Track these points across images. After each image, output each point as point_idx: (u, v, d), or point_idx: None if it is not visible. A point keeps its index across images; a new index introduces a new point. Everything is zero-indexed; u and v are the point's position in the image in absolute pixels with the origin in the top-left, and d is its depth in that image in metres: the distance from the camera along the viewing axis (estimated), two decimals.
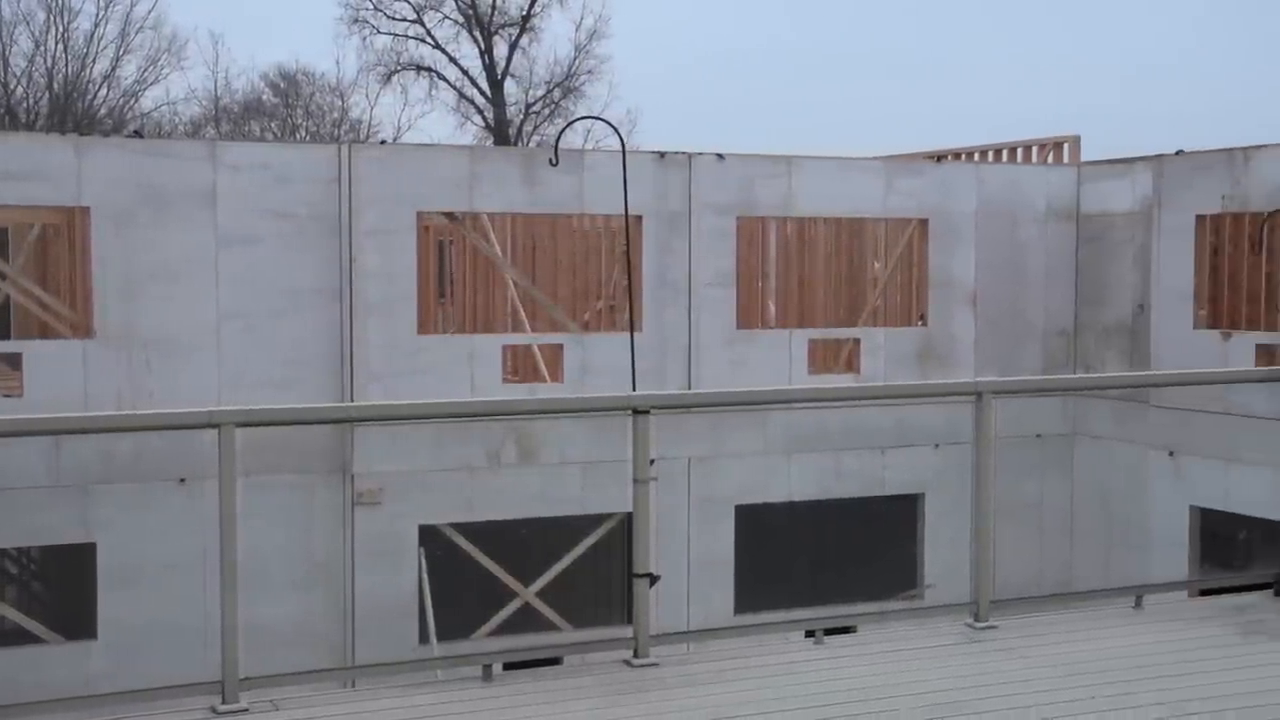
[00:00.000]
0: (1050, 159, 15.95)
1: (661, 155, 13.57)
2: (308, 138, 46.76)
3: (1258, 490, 11.19)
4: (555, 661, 7.14)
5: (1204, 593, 8.58)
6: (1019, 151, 16.43)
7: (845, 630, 7.26)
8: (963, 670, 6.41)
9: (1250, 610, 7.47)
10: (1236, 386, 12.06)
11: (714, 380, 13.45)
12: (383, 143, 30.65)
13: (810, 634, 6.88)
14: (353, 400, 12.36)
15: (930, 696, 6.00)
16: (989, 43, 78.83)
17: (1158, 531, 13.78)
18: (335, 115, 48.65)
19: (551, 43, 59.12)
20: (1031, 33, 78.85)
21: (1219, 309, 13.72)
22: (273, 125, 48.25)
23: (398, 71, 46.38)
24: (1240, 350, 13.12)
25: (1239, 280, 13.52)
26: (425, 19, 45.79)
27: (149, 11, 44.53)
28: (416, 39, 46.15)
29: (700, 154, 13.68)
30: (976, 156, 16.87)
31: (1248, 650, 6.77)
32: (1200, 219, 13.73)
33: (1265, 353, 12.90)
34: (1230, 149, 13.41)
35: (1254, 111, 62.61)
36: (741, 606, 13.46)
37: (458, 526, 13.01)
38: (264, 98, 49.00)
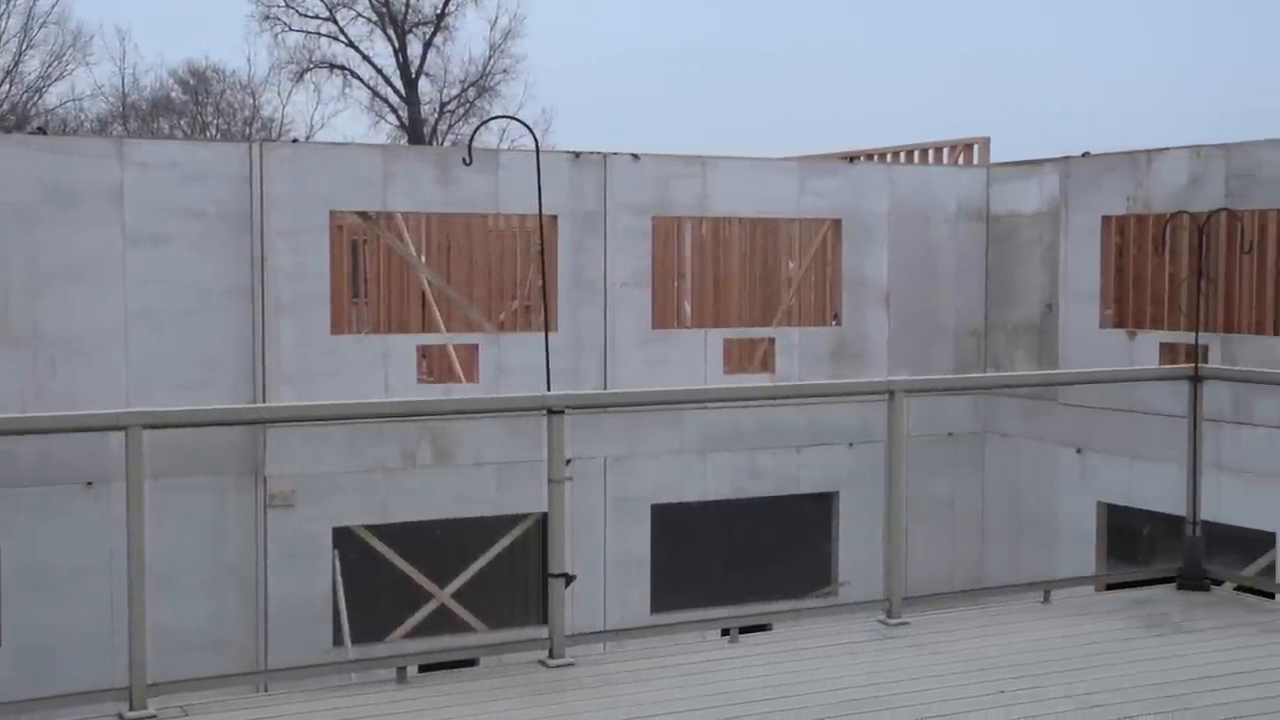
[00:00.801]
0: (961, 160, 16.17)
1: (576, 155, 13.57)
2: (218, 136, 46.13)
3: (1161, 486, 11.41)
4: (471, 663, 7.12)
5: (1110, 587, 8.74)
6: (930, 153, 16.64)
7: (761, 628, 7.31)
8: (875, 666, 6.48)
9: (1154, 603, 7.62)
10: (1141, 385, 12.29)
11: (630, 380, 13.48)
12: (295, 141, 30.36)
13: (726, 633, 6.92)
14: (265, 401, 12.22)
15: (843, 693, 6.06)
16: (900, 44, 79.69)
17: (1065, 527, 14.02)
18: (246, 113, 48.07)
19: (466, 41, 59.00)
20: (941, 35, 79.78)
21: (1124, 309, 13.98)
22: (182, 123, 47.56)
23: (310, 69, 45.96)
24: (1145, 349, 13.39)
25: (1143, 280, 13.79)
26: (338, 16, 45.42)
27: (53, 6, 43.76)
28: (329, 37, 45.75)
29: (615, 154, 13.70)
30: (889, 157, 17.05)
31: (1152, 642, 6.90)
32: (1106, 220, 13.99)
33: (1168, 351, 13.18)
34: (1134, 152, 13.68)
35: (1157, 114, 63.89)
36: (658, 606, 13.50)
37: (372, 528, 12.92)
38: (173, 95, 48.31)
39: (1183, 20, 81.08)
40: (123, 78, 47.30)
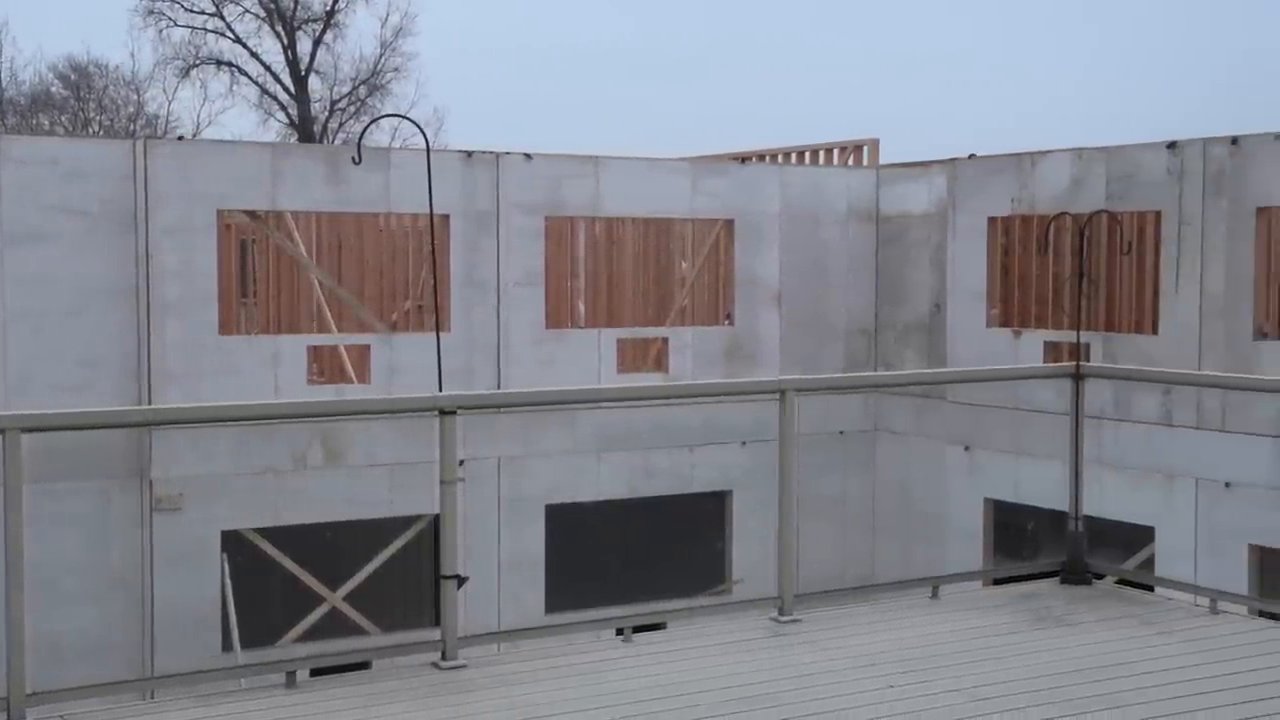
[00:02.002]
0: (850, 161, 16.36)
1: (469, 154, 13.50)
2: (101, 132, 45.14)
3: (1045, 482, 11.66)
4: (364, 666, 7.05)
5: (996, 582, 8.91)
6: (820, 154, 16.82)
7: (655, 627, 7.33)
8: (767, 664, 6.53)
9: (1038, 597, 7.77)
10: (1026, 383, 12.54)
11: (523, 380, 13.44)
12: (180, 138, 29.84)
13: (620, 632, 6.93)
14: (150, 403, 12.00)
15: (734, 690, 6.10)
16: (788, 46, 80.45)
17: (954, 523, 14.25)
18: (130, 110, 47.10)
19: (357, 39, 58.43)
20: (830, 36, 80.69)
21: (1010, 308, 14.25)
22: (63, 119, 46.46)
23: (196, 66, 45.12)
24: (1030, 348, 13.66)
25: (1028, 281, 14.07)
26: (225, 12, 44.67)
27: None
28: (216, 32, 44.97)
29: (508, 153, 13.65)
30: (780, 158, 17.20)
31: (1037, 636, 7.04)
32: (992, 221, 14.24)
33: (1052, 350, 13.46)
34: (1019, 154, 13.95)
35: (1041, 117, 65.22)
36: (552, 606, 13.49)
37: (262, 531, 12.74)
38: (53, 90, 47.15)
39: (1064, 25, 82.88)
40: (0, 72, 46.10)
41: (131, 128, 45.51)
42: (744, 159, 17.15)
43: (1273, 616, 7.58)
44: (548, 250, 14.17)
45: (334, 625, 13.01)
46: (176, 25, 44.64)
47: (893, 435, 15.22)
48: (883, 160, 16.14)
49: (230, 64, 45.09)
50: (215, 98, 55.41)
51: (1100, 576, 8.11)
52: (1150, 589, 8.41)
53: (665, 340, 14.68)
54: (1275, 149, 11.80)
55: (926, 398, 14.54)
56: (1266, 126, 12.09)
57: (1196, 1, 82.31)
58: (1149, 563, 12.27)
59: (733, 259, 14.93)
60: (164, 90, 47.16)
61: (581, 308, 15.91)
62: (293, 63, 44.86)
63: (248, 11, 44.80)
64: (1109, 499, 11.46)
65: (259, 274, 15.86)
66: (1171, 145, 12.55)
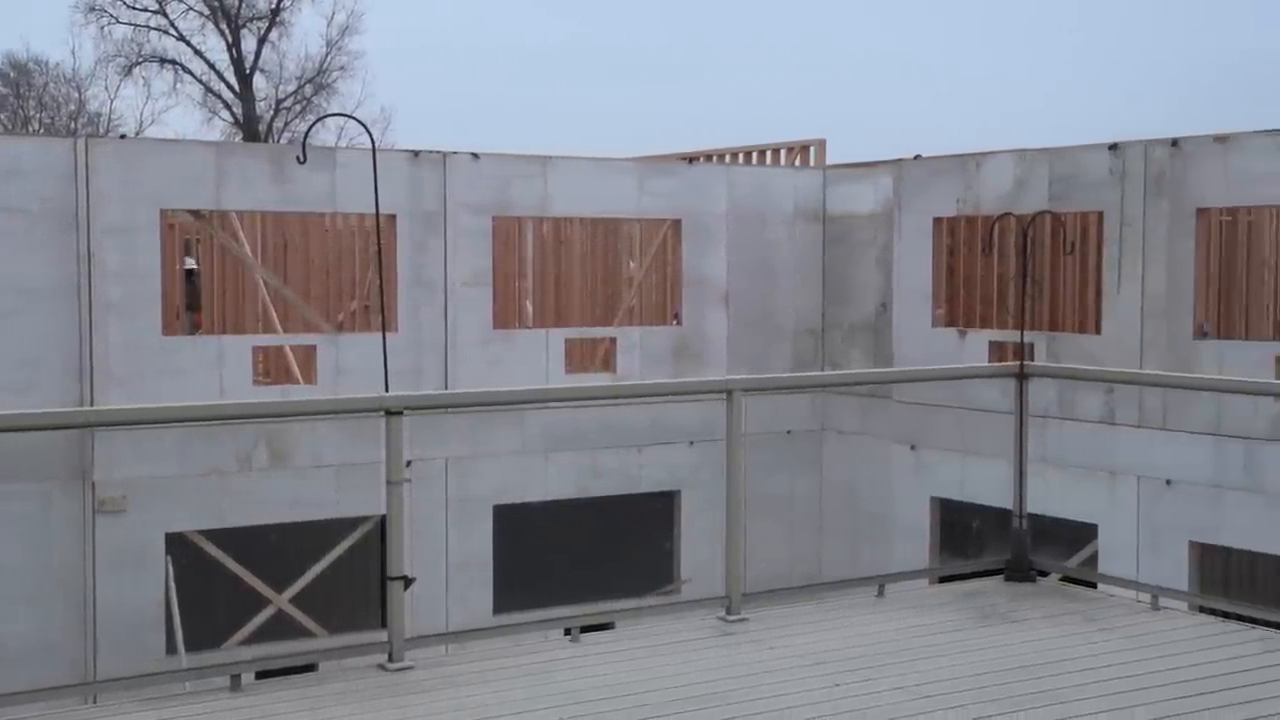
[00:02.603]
0: (797, 162, 16.42)
1: (415, 154, 13.45)
2: (41, 130, 44.57)
3: (990, 481, 11.74)
4: (310, 668, 7.01)
5: (942, 580, 8.98)
6: (767, 154, 16.87)
7: (604, 627, 7.34)
8: (714, 663, 6.55)
9: (983, 595, 7.84)
10: (971, 382, 12.64)
11: (471, 380, 13.40)
12: (123, 137, 29.52)
13: (568, 632, 6.93)
14: (93, 404, 11.87)
15: (682, 690, 6.11)
16: (736, 46, 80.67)
17: (900, 522, 14.34)
18: (72, 107, 46.55)
19: (302, 38, 57.97)
20: (777, 38, 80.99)
21: (955, 308, 14.36)
22: (2, 117, 45.86)
23: (139, 63, 44.65)
24: (975, 347, 13.77)
25: (973, 281, 14.19)
26: (168, 10, 44.24)
27: None
28: (159, 30, 44.53)
29: (455, 153, 13.61)
30: (727, 158, 17.25)
31: (981, 633, 7.10)
32: (937, 221, 14.34)
33: (997, 350, 13.57)
34: (963, 155, 14.06)
35: (985, 118, 65.75)
36: (500, 607, 13.46)
37: (207, 533, 12.64)
38: None
39: (1008, 28, 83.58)
40: None
41: (73, 126, 44.99)
42: (691, 159, 17.18)
43: (1212, 612, 7.69)
44: (495, 250, 14.13)
45: (280, 627, 12.92)
46: (119, 22, 44.20)
47: (840, 435, 15.30)
48: (829, 161, 16.21)
49: (174, 62, 44.68)
50: (158, 96, 55.07)
51: (1044, 574, 8.19)
52: (1093, 586, 8.50)
53: (613, 340, 14.68)
54: (1214, 151, 11.96)
55: (873, 397, 14.63)
56: (1206, 128, 12.27)
57: (1137, 6, 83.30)
58: (1092, 560, 12.40)
59: (680, 259, 14.96)
60: (106, 88, 46.68)
61: (529, 308, 15.89)
62: (237, 61, 44.50)
63: (191, 9, 44.42)
64: (1053, 497, 11.57)
65: (203, 274, 15.72)
66: (1113, 147, 12.69)
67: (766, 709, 5.89)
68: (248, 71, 44.54)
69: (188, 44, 44.50)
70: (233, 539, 12.78)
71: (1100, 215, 12.85)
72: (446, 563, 13.37)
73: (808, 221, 15.55)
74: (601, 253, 15.69)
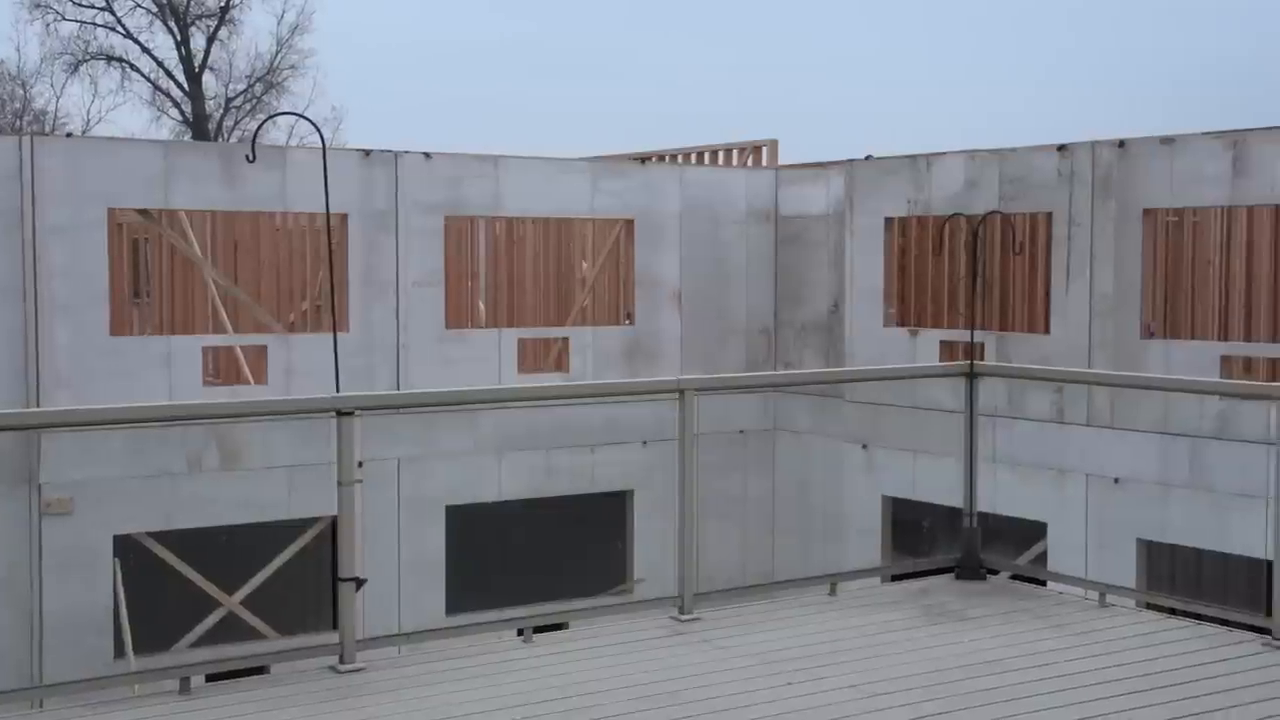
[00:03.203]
0: (750, 162, 16.47)
1: (367, 153, 13.39)
2: None
3: (941, 479, 11.82)
4: (261, 670, 6.97)
5: (894, 578, 9.02)
6: (720, 154, 16.91)
7: (557, 627, 7.33)
8: (666, 663, 6.55)
9: (934, 593, 7.89)
10: (922, 381, 12.72)
11: (424, 380, 13.36)
12: (70, 135, 29.19)
13: (521, 633, 6.92)
14: (39, 405, 11.73)
15: (634, 690, 6.12)
16: (689, 46, 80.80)
17: (852, 521, 14.41)
18: (17, 105, 45.96)
19: (252, 36, 57.48)
20: (728, 38, 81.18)
21: (907, 308, 14.45)
22: None
23: (86, 61, 44.15)
24: (926, 347, 13.86)
25: (924, 280, 14.27)
26: (115, 7, 43.76)
27: None
28: (106, 27, 44.06)
29: (407, 152, 13.56)
30: (680, 159, 17.27)
31: (932, 631, 7.14)
32: (889, 221, 14.42)
33: (948, 349, 13.66)
34: (914, 155, 14.14)
35: (935, 119, 66.17)
36: (454, 607, 13.42)
37: (156, 535, 12.53)
38: None
39: (958, 30, 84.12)
40: None
41: (17, 124, 44.42)
42: (644, 159, 17.19)
43: (1158, 609, 7.77)
44: (447, 250, 14.09)
45: (231, 630, 12.84)
46: (65, 19, 43.69)
47: (792, 434, 15.35)
48: (781, 161, 16.27)
49: (121, 60, 44.21)
50: (106, 94, 54.40)
51: (994, 572, 8.25)
52: (1043, 584, 8.58)
53: (566, 340, 14.67)
54: (1161, 152, 12.09)
55: (825, 396, 14.69)
56: (1152, 130, 12.39)
57: (1084, 9, 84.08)
58: (1041, 558, 12.51)
59: (633, 259, 14.97)
60: (52, 86, 46.11)
61: (482, 307, 15.85)
62: (186, 59, 44.10)
63: (139, 6, 43.98)
64: (1003, 496, 11.67)
65: (152, 273, 15.58)
66: (1061, 148, 12.80)
67: (719, 708, 5.91)
68: (197, 70, 44.15)
69: (135, 41, 44.08)
70: (182, 541, 12.68)
71: (1049, 216, 12.96)
72: (399, 563, 13.32)
73: (760, 221, 15.60)
74: (554, 252, 15.67)
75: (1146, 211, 12.24)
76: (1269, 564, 7.12)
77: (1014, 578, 8.40)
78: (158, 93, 44.65)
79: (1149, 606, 8.07)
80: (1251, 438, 10.85)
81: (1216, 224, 12.11)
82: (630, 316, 15.12)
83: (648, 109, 66.76)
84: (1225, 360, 11.69)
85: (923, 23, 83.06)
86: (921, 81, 79.64)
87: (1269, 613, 6.89)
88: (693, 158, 17.14)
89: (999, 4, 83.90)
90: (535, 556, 14.39)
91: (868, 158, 14.70)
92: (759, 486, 15.43)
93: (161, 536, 12.56)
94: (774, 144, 16.46)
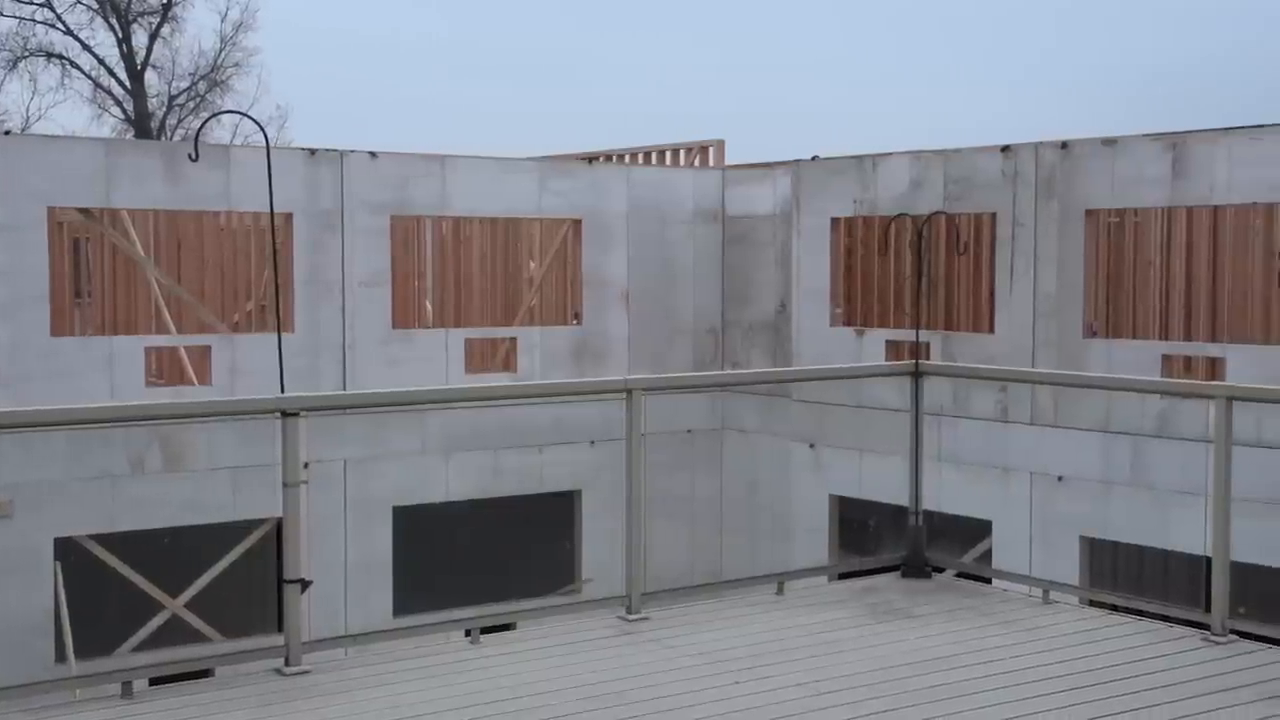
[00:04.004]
0: (697, 162, 16.50)
1: (312, 152, 13.30)
2: None
3: (887, 478, 11.90)
4: (206, 674, 6.91)
5: (841, 576, 9.07)
6: (667, 154, 16.93)
7: (506, 628, 7.32)
8: (615, 662, 6.56)
9: (880, 591, 7.94)
10: (869, 380, 12.80)
11: (370, 380, 13.29)
12: (8, 133, 28.79)
13: (468, 633, 6.91)
14: None
15: (582, 690, 6.12)
16: (635, 46, 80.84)
17: (800, 520, 14.47)
18: None
19: (195, 33, 56.87)
20: (675, 38, 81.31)
21: (853, 307, 14.52)
22: None
23: (25, 58, 43.55)
24: (872, 346, 13.94)
25: (870, 280, 14.35)
26: (55, 3, 43.19)
27: None
28: (45, 24, 43.48)
29: (352, 151, 13.49)
30: (627, 159, 17.27)
31: (878, 629, 7.19)
32: (835, 221, 14.49)
33: (894, 348, 13.75)
34: (860, 156, 14.22)
35: (881, 120, 66.58)
36: (401, 608, 13.36)
37: (98, 537, 12.39)
38: None
39: (905, 31, 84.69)
40: None
41: None
42: (591, 159, 17.18)
43: (1101, 605, 7.86)
44: (394, 249, 14.02)
45: (174, 633, 12.71)
46: (3, 15, 43.06)
47: (740, 433, 15.40)
48: (728, 161, 16.31)
49: (61, 56, 43.63)
50: (45, 91, 53.59)
51: (940, 570, 8.32)
52: (988, 581, 8.65)
53: (514, 340, 14.64)
54: (1102, 153, 12.23)
55: (772, 396, 14.74)
56: (1094, 131, 12.53)
57: (1027, 12, 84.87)
58: (986, 556, 12.61)
59: (581, 259, 14.96)
60: None
61: (429, 307, 15.78)
62: (128, 56, 43.60)
63: (79, 2, 43.44)
64: (948, 494, 11.76)
65: (94, 273, 15.40)
66: (1005, 149, 12.91)
67: (666, 707, 5.92)
68: (139, 67, 43.66)
69: (76, 38, 43.52)
70: (125, 543, 12.55)
71: (993, 216, 13.08)
72: (346, 565, 13.24)
73: (707, 221, 15.63)
74: (502, 252, 15.62)
75: (1089, 212, 12.38)
76: (1208, 561, 7.22)
77: (959, 575, 8.46)
78: (99, 90, 44.13)
79: (1091, 603, 8.17)
80: (1191, 436, 10.99)
81: (1157, 225, 12.26)
82: (578, 316, 15.10)
83: (595, 109, 66.75)
84: (1166, 359, 11.84)
85: (869, 25, 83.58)
86: (867, 82, 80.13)
87: (1208, 608, 6.99)
88: (640, 158, 17.15)
89: (944, 7, 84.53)
90: (483, 557, 14.34)
91: (814, 158, 14.77)
92: (707, 486, 15.47)
93: (103, 539, 12.42)
94: (720, 144, 16.49)
